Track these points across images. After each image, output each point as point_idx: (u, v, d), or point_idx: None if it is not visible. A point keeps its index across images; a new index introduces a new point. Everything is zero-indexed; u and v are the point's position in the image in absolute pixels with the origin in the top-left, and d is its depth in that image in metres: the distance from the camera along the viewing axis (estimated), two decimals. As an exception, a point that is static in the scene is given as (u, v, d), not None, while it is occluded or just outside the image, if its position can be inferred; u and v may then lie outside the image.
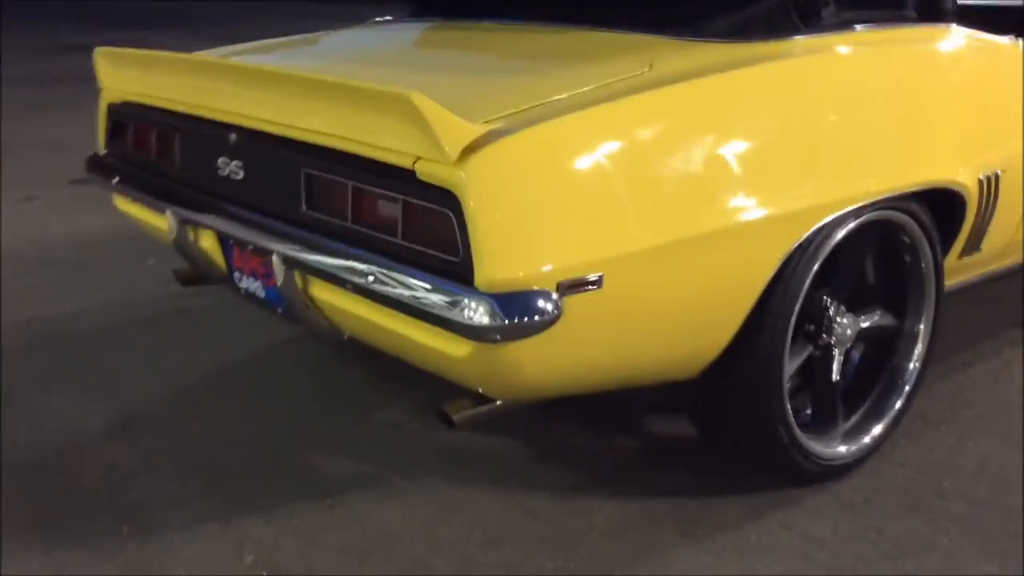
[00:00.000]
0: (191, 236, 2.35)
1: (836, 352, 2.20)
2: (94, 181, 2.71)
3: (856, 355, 2.35)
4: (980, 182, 2.30)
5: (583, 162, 1.72)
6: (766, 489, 2.22)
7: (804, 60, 2.09)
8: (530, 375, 1.75)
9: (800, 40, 2.12)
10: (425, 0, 2.98)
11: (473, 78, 2.16)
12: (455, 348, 1.72)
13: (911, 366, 2.34)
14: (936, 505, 2.18)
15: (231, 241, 2.24)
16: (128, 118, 2.58)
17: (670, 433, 2.50)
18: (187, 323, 3.21)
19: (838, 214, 1.99)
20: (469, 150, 1.64)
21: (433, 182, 1.68)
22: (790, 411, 2.07)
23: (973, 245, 2.43)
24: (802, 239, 1.95)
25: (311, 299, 2.05)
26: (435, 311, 1.66)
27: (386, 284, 1.75)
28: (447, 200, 1.66)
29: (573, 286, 1.66)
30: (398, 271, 1.73)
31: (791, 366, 2.09)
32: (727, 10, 2.16)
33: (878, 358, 2.37)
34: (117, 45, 2.55)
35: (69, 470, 2.36)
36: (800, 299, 1.99)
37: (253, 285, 2.25)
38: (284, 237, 2.00)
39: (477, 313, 1.61)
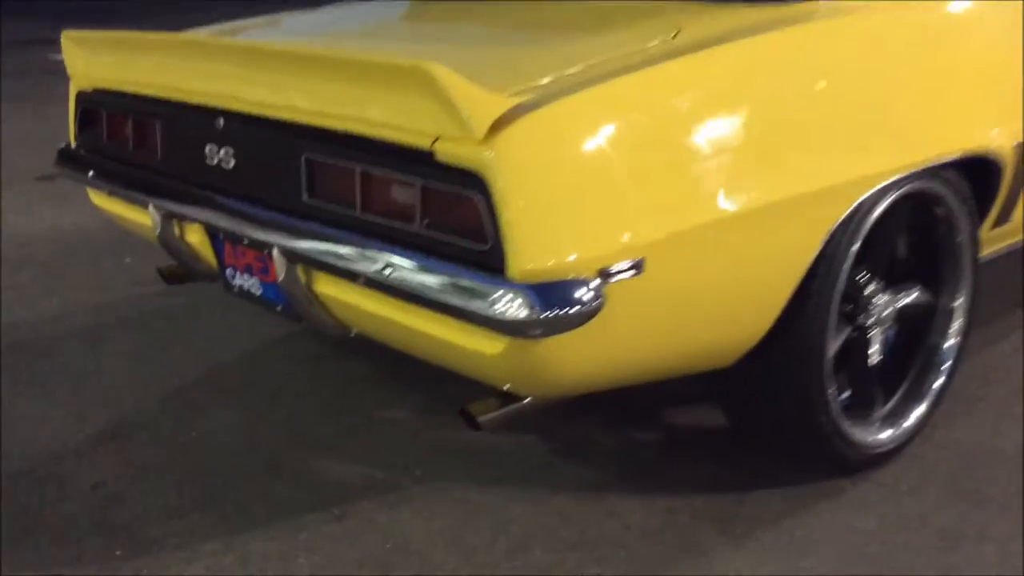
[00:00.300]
0: (177, 231, 2.19)
1: (875, 333, 2.07)
2: (66, 176, 2.54)
3: (889, 335, 2.23)
4: (1015, 148, 2.18)
5: (619, 136, 1.58)
6: (804, 481, 2.09)
7: (839, 22, 1.95)
8: (567, 371, 1.61)
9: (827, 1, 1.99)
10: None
11: (489, 50, 2.00)
12: (486, 345, 1.57)
13: (949, 343, 2.22)
14: (984, 491, 2.06)
15: (222, 236, 2.08)
16: (101, 106, 2.41)
17: (693, 424, 2.37)
18: (170, 324, 3.03)
19: (882, 185, 1.87)
20: (495, 127, 1.48)
21: (455, 163, 1.53)
22: (833, 398, 1.95)
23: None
24: (846, 213, 1.82)
25: (315, 295, 1.89)
26: (464, 305, 1.51)
27: (405, 277, 1.59)
28: (472, 182, 1.51)
29: (614, 273, 1.52)
30: (419, 262, 1.58)
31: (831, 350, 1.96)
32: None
33: (911, 337, 2.25)
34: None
35: (52, 485, 2.19)
36: (844, 278, 1.87)
37: (248, 282, 2.09)
38: (285, 229, 1.85)
39: (513, 306, 1.46)
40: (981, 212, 2.24)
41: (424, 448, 2.30)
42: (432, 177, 1.58)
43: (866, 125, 1.89)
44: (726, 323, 1.77)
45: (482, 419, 1.71)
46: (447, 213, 1.58)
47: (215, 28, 2.60)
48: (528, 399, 1.75)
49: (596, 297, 1.49)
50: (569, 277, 1.48)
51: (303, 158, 1.81)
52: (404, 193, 1.64)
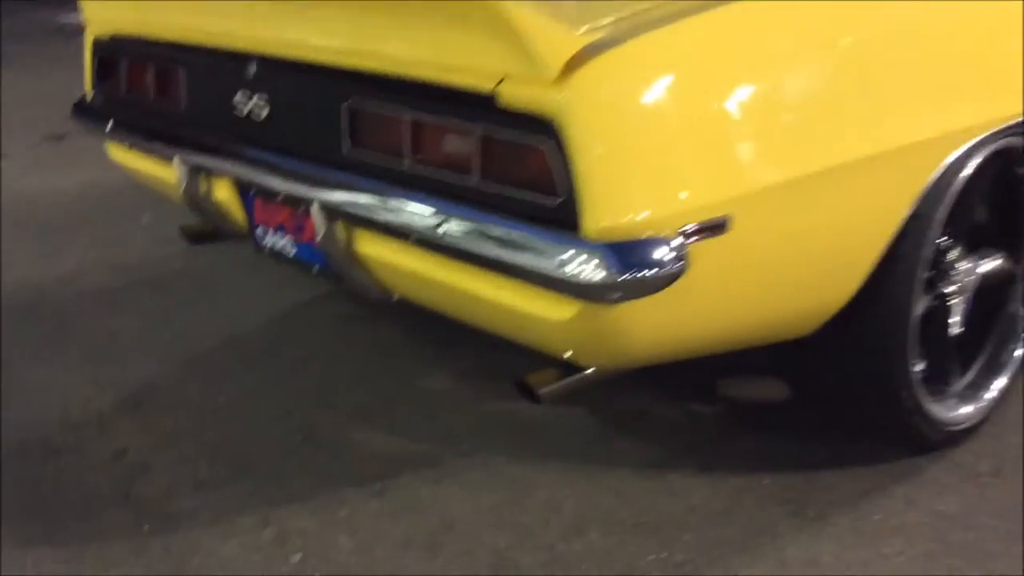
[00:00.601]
0: (203, 187, 2.05)
1: (957, 301, 1.92)
2: (84, 129, 2.39)
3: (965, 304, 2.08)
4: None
5: (705, 80, 1.41)
6: (875, 461, 1.94)
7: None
8: (641, 340, 1.46)
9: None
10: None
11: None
12: (552, 310, 1.42)
13: (1030, 311, 2.07)
14: (1072, 472, 1.92)
15: (253, 191, 1.93)
16: (119, 54, 2.25)
17: (755, 398, 2.22)
18: (194, 285, 2.89)
19: (976, 140, 1.71)
20: (569, 67, 1.33)
21: (522, 107, 1.37)
22: (915, 370, 1.80)
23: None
24: (937, 170, 1.66)
25: (356, 255, 1.74)
26: (530, 266, 1.36)
27: (463, 235, 1.44)
28: (541, 128, 1.36)
29: (698, 231, 1.37)
30: (479, 218, 1.42)
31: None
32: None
33: (986, 305, 2.10)
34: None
35: (70, 456, 2.06)
36: (932, 241, 1.71)
37: (281, 241, 1.95)
38: (325, 183, 1.70)
39: (588, 268, 1.31)
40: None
41: (467, 419, 2.16)
42: (494, 123, 1.42)
43: (961, 74, 1.73)
44: (811, 288, 1.61)
45: (543, 391, 1.57)
46: (510, 164, 1.42)
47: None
48: (590, 369, 1.60)
49: (679, 259, 1.34)
50: (649, 236, 1.33)
51: (345, 106, 1.66)
52: (460, 143, 1.49)
